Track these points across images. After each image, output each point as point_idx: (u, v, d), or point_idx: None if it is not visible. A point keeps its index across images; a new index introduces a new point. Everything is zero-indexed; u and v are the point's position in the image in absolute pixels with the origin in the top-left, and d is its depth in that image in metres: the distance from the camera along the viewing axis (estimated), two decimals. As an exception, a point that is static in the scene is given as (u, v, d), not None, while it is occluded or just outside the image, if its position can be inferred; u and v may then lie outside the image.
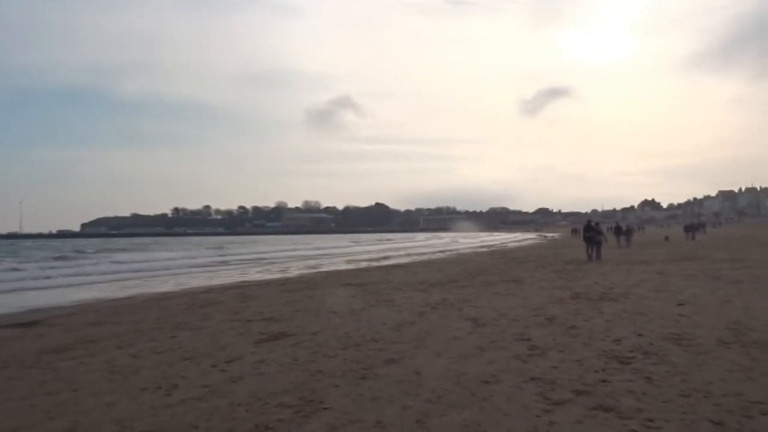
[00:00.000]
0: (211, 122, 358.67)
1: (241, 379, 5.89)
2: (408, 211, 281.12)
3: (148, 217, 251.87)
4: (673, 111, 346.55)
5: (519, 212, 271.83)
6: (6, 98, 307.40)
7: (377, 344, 7.39)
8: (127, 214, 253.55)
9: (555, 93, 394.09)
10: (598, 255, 24.38)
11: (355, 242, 77.65)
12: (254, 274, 24.07)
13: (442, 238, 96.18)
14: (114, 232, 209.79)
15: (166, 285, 19.91)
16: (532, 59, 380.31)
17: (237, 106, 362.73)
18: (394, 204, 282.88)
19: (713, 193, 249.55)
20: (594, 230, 25.50)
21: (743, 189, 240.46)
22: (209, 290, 16.60)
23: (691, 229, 48.71)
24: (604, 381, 5.24)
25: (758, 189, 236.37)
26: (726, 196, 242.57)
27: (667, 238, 43.89)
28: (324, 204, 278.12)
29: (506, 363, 6.10)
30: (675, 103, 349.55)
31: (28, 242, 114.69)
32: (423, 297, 12.71)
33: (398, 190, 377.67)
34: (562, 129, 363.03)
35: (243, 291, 15.66)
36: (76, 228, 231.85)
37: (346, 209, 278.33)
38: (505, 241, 73.22)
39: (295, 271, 25.58)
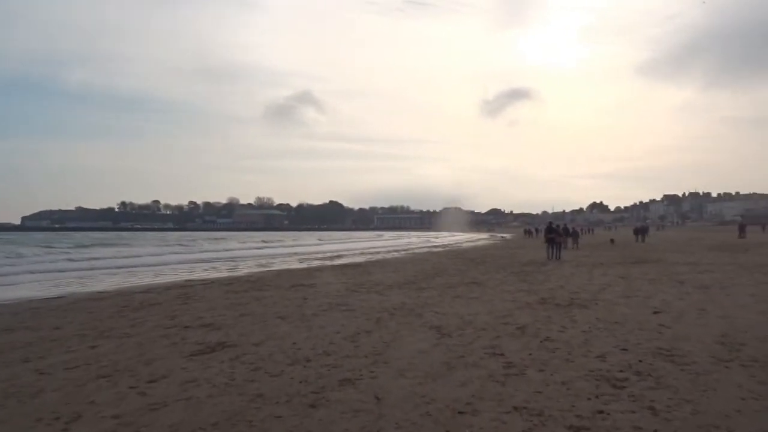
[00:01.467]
0: (162, 116, 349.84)
1: (164, 405, 4.84)
2: (362, 210, 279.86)
3: (94, 211, 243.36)
4: (622, 117, 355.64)
5: (472, 212, 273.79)
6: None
7: (330, 359, 6.44)
8: (71, 207, 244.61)
9: (513, 95, 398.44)
10: (558, 255, 25.38)
11: (320, 240, 76.21)
12: (224, 272, 22.74)
13: (409, 237, 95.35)
14: (57, 225, 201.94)
15: (107, 283, 18.43)
16: (489, 61, 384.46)
17: (190, 99, 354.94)
18: (348, 202, 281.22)
19: (659, 197, 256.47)
20: (555, 232, 26.51)
21: (687, 194, 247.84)
22: (149, 289, 15.29)
23: (640, 231, 49.35)
24: (600, 412, 4.42)
25: (701, 194, 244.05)
26: (671, 200, 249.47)
27: (612, 241, 43.99)
28: (277, 201, 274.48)
29: (481, 385, 5.23)
30: (624, 109, 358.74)
31: None
32: (380, 300, 11.80)
33: (353, 189, 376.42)
34: (517, 131, 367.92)
35: (185, 291, 14.43)
36: (17, 221, 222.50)
37: (300, 206, 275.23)
38: (459, 241, 73.02)
39: (251, 269, 24.33)
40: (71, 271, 24.21)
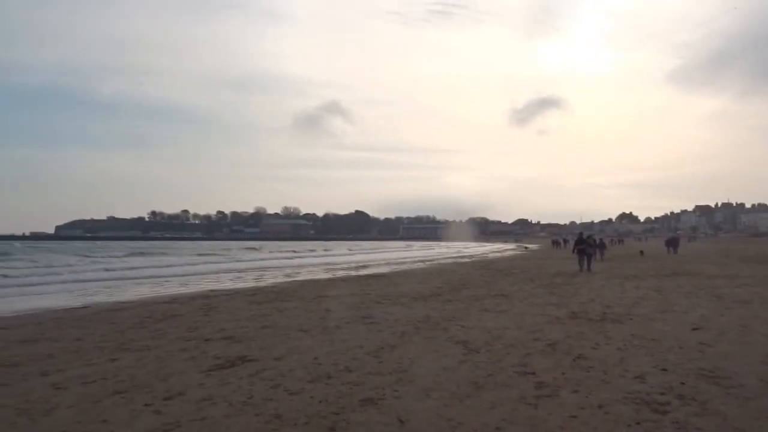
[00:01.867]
0: (192, 126, 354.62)
1: (177, 426, 4.62)
2: (388, 219, 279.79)
3: (125, 220, 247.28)
4: (653, 125, 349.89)
5: (499, 222, 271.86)
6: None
7: (352, 375, 6.18)
8: (103, 217, 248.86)
9: (541, 103, 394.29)
10: (589, 267, 25.01)
11: (350, 250, 76.26)
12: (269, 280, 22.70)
13: (433, 248, 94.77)
14: (89, 235, 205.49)
15: (133, 293, 18.45)
16: (516, 70, 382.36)
17: (218, 109, 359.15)
18: (373, 212, 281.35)
19: (690, 208, 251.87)
20: (586, 242, 26.06)
21: (719, 204, 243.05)
22: (172, 300, 15.21)
23: (671, 243, 48.11)
24: (643, 441, 4.08)
25: (734, 204, 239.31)
26: (702, 210, 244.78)
27: (642, 253, 42.81)
28: (303, 210, 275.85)
29: (512, 408, 4.92)
30: (654, 117, 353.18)
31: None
32: (405, 313, 11.51)
33: (379, 198, 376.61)
34: (545, 140, 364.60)
35: (208, 302, 14.31)
36: (50, 230, 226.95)
37: (326, 216, 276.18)
38: (485, 251, 72.31)
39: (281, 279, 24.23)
40: (100, 281, 24.35)
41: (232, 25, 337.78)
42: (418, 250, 78.62)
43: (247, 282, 22.58)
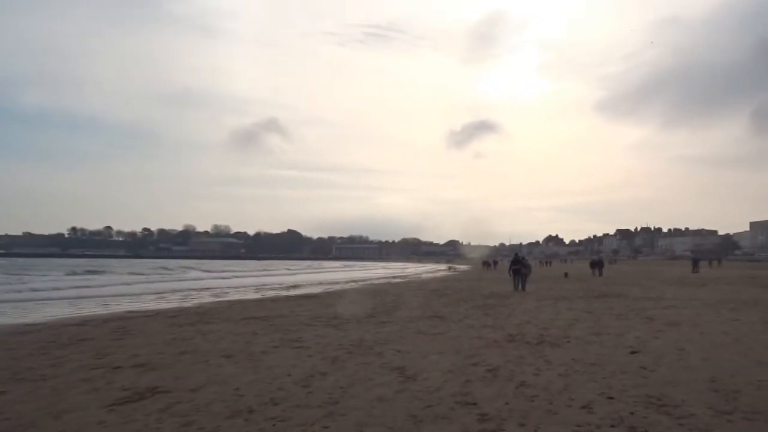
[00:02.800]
0: (118, 141, 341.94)
1: (63, 477, 3.89)
2: (320, 239, 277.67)
3: (43, 236, 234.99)
4: (580, 152, 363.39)
5: (431, 243, 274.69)
6: None
7: (277, 409, 5.54)
8: (18, 232, 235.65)
9: (477, 128, 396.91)
10: (523, 286, 25.52)
11: (289, 269, 74.59)
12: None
13: (366, 268, 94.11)
14: (2, 251, 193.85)
15: (41, 314, 17.02)
16: (452, 94, 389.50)
17: (148, 125, 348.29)
18: (306, 231, 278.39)
19: (612, 231, 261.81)
20: (521, 263, 26.45)
21: (639, 228, 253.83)
22: (84, 322, 14.03)
23: (596, 264, 49.34)
24: (603, 484, 3.65)
25: (652, 229, 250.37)
26: (623, 234, 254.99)
27: (566, 275, 43.10)
28: (234, 229, 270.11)
29: (455, 446, 4.42)
30: (582, 145, 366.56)
31: None
32: (337, 336, 10.92)
33: (312, 218, 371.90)
34: (478, 163, 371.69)
35: (124, 324, 13.25)
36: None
37: (258, 235, 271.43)
38: (418, 272, 72.43)
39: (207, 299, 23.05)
40: (18, 301, 22.53)
41: (164, 39, 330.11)
42: (351, 270, 77.98)
43: (171, 302, 21.37)
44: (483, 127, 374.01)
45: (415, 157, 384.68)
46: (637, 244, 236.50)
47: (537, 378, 6.83)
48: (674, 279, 37.58)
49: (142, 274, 51.90)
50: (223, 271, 62.19)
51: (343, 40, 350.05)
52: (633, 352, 8.57)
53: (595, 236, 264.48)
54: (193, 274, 53.81)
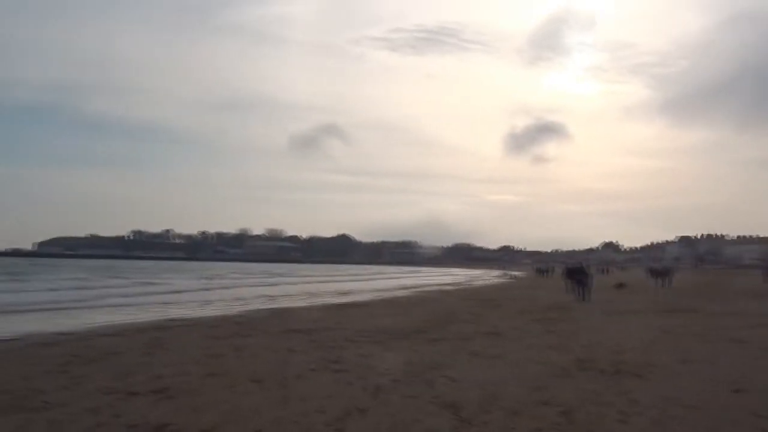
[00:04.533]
0: (176, 146, 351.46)
1: None
2: (372, 244, 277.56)
3: (106, 238, 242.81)
4: (638, 155, 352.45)
5: (483, 249, 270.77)
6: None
7: (301, 464, 4.47)
8: (84, 234, 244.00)
9: (534, 132, 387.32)
10: (584, 296, 24.68)
11: (357, 275, 74.12)
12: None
13: (417, 274, 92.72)
14: (69, 252, 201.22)
15: (81, 320, 16.56)
16: (507, 97, 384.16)
17: (206, 130, 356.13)
18: (358, 235, 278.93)
19: (673, 238, 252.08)
20: (583, 272, 26.19)
21: (703, 235, 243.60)
22: (120, 331, 13.36)
23: (661, 274, 46.44)
24: None
25: (717, 236, 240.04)
26: (686, 241, 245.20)
27: (621, 286, 37.95)
28: (288, 233, 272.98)
29: None
30: (641, 148, 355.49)
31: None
32: (382, 356, 9.81)
33: (364, 222, 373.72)
34: (534, 168, 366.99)
35: (159, 335, 12.47)
36: (30, 247, 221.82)
37: (311, 239, 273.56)
38: (470, 278, 70.73)
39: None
40: (57, 304, 22.34)
41: (223, 47, 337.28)
42: (401, 276, 76.88)
43: (216, 310, 20.72)
44: (538, 131, 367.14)
45: (469, 161, 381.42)
46: (701, 252, 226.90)
47: (625, 428, 5.54)
48: (746, 290, 34.95)
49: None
50: (274, 276, 62.00)
51: (394, 45, 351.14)
52: (736, 391, 7.13)
53: (655, 243, 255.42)
54: (248, 279, 53.17)
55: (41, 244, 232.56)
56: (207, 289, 35.75)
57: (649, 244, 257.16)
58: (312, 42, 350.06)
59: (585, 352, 10.36)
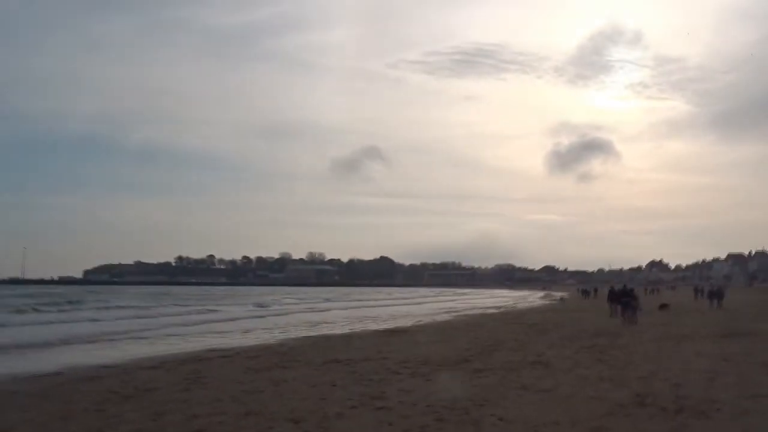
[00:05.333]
0: (217, 172, 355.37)
1: None
2: (413, 266, 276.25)
3: (152, 265, 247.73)
4: (679, 173, 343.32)
5: (525, 269, 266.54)
6: (13, 146, 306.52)
7: None
8: (130, 261, 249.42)
9: (575, 151, 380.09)
10: (633, 320, 24.31)
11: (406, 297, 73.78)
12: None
13: (459, 296, 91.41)
14: (116, 279, 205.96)
15: (126, 352, 16.60)
16: (547, 117, 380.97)
17: (246, 157, 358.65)
18: (398, 258, 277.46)
19: (722, 256, 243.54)
20: (629, 295, 25.92)
21: (754, 252, 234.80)
22: (160, 364, 13.23)
23: (715, 295, 44.44)
24: None
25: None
26: (736, 259, 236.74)
27: (664, 306, 36.82)
28: (328, 256, 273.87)
29: None
30: (681, 165, 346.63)
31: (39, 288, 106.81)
32: (425, 391, 9.39)
33: (404, 244, 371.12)
34: (575, 186, 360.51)
35: (198, 368, 12.29)
36: (79, 274, 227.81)
37: (351, 262, 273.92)
38: (513, 300, 69.42)
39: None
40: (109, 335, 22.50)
41: (262, 75, 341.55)
42: (443, 298, 75.95)
43: (258, 338, 20.54)
44: (583, 148, 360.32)
45: (510, 181, 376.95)
46: (752, 270, 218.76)
47: (696, 479, 5.03)
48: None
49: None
50: (317, 300, 61.82)
51: (431, 68, 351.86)
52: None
53: (703, 261, 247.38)
54: (290, 305, 52.64)
55: (88, 271, 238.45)
56: (261, 317, 35.30)
57: (698, 262, 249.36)
58: (350, 67, 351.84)
59: (642, 385, 9.74)
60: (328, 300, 64.17)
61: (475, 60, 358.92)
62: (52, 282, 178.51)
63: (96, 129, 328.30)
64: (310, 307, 47.29)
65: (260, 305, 49.63)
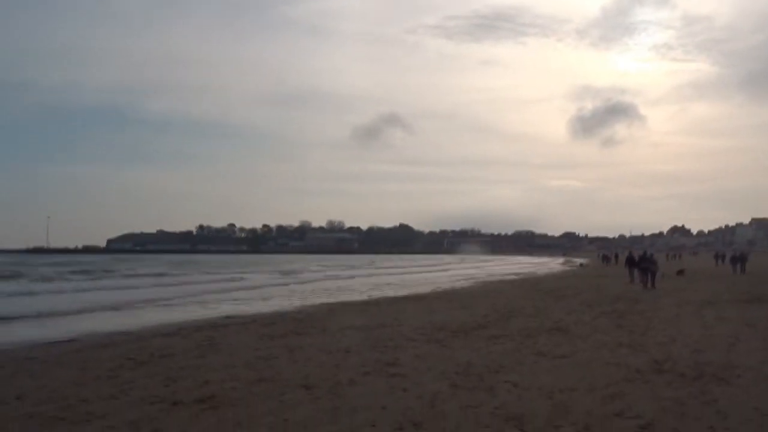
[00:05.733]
0: (236, 141, 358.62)
1: None
2: (432, 233, 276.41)
3: (174, 233, 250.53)
4: (705, 136, 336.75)
5: (545, 236, 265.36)
6: (35, 116, 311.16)
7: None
8: (153, 230, 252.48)
9: (597, 115, 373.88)
10: (653, 284, 24.72)
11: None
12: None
13: (479, 263, 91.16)
14: (139, 248, 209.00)
15: (141, 319, 16.75)
16: (568, 81, 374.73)
17: (265, 126, 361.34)
18: (418, 225, 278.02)
19: (746, 221, 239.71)
20: (649, 260, 25.77)
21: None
22: (176, 331, 13.27)
23: (739, 260, 43.62)
24: None
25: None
26: (760, 223, 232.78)
27: (681, 272, 36.15)
28: (348, 224, 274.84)
29: None
30: (706, 128, 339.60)
31: (74, 258, 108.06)
32: (440, 356, 9.30)
33: (423, 212, 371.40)
34: (596, 152, 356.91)
35: (213, 335, 12.32)
36: (102, 243, 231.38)
37: (370, 230, 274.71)
38: (532, 266, 69.18)
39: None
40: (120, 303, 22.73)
41: (280, 42, 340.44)
42: (462, 265, 75.92)
43: (274, 305, 20.60)
44: (603, 113, 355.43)
45: (530, 147, 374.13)
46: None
47: (717, 449, 4.85)
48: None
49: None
50: (341, 267, 61.96)
51: (450, 33, 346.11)
52: None
53: (726, 226, 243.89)
54: (314, 273, 52.77)
55: (111, 240, 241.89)
56: (285, 284, 35.37)
57: (721, 227, 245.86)
58: (367, 33, 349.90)
59: (660, 350, 9.54)
60: (352, 267, 64.48)
61: (494, 24, 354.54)
62: (76, 251, 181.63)
63: (116, 99, 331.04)
64: (334, 275, 47.30)
65: (285, 273, 50.06)
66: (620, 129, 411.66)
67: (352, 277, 44.76)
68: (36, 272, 46.51)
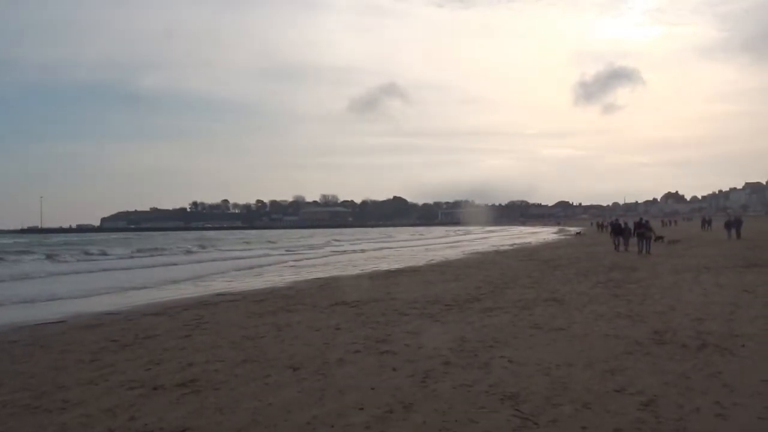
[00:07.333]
0: (229, 116, 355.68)
1: None
2: (426, 205, 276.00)
3: (167, 211, 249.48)
4: (697, 100, 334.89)
5: (539, 205, 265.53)
6: (24, 94, 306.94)
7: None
8: (146, 208, 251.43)
9: (593, 83, 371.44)
10: (648, 250, 25.57)
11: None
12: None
13: (472, 233, 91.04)
14: (133, 226, 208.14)
15: (136, 299, 16.39)
16: (559, 47, 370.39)
17: (256, 99, 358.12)
18: (412, 197, 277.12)
19: (740, 185, 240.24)
20: (644, 227, 26.41)
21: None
22: (163, 310, 12.96)
23: (733, 225, 43.58)
24: None
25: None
26: (753, 188, 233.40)
27: (674, 242, 33.79)
28: (341, 198, 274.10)
29: None
30: (698, 93, 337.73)
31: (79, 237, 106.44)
32: (433, 332, 9.02)
33: (417, 184, 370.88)
34: (589, 120, 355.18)
35: (201, 314, 12.00)
36: (96, 222, 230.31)
37: (364, 203, 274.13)
38: (527, 236, 69.02)
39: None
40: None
41: (271, 15, 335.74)
42: (456, 236, 75.71)
43: (267, 281, 20.29)
44: (598, 80, 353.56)
45: (525, 116, 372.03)
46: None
47: (725, 424, 4.57)
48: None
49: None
50: (330, 242, 61.43)
51: (441, 1, 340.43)
52: None
53: (720, 191, 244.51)
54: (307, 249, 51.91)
55: (106, 219, 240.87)
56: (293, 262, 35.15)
57: (714, 192, 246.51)
58: (356, 2, 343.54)
59: (660, 320, 9.30)
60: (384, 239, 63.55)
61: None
62: (70, 230, 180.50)
63: (106, 75, 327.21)
64: (333, 250, 46.63)
65: (311, 247, 49.53)
66: (614, 95, 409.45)
67: (341, 254, 44.36)
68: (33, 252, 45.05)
